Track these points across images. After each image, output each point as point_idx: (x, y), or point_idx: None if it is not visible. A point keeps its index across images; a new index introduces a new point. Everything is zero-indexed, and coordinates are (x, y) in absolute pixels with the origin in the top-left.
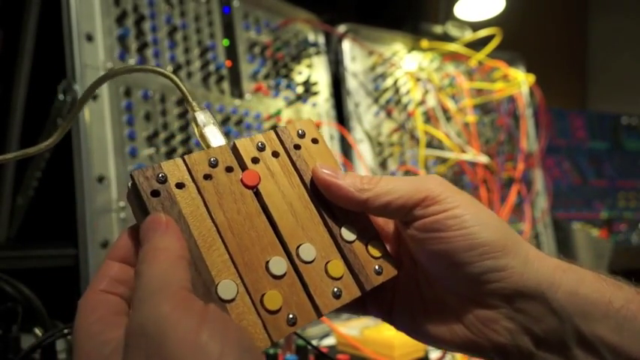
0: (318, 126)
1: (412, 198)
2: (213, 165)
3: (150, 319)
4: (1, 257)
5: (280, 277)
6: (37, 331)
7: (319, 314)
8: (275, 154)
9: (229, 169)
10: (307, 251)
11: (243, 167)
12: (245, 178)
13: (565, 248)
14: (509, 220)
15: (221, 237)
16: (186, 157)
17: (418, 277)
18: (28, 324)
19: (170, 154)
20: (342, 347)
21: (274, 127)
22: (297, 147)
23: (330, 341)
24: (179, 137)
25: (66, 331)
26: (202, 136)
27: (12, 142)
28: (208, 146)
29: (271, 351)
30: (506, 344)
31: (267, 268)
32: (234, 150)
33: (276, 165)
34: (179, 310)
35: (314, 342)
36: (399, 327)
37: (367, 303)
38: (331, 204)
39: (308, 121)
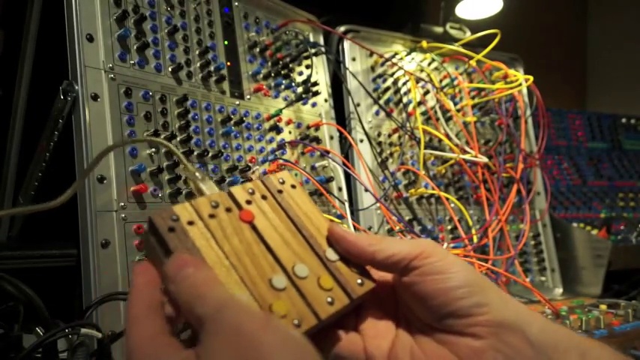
0: (318, 126)
1: (412, 252)
2: (215, 206)
3: (227, 322)
4: (2, 257)
5: (283, 290)
6: (39, 330)
7: (319, 320)
8: (264, 197)
9: (228, 210)
10: (301, 269)
11: (240, 208)
12: (242, 215)
13: (564, 248)
14: (509, 220)
15: (230, 262)
16: (192, 201)
17: (412, 328)
18: (29, 323)
19: (170, 154)
20: None
21: (260, 178)
22: (280, 192)
23: None
24: (179, 137)
25: (67, 330)
26: (199, 189)
27: (13, 142)
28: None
29: None
30: None
31: (271, 284)
32: (230, 195)
33: (265, 205)
34: (247, 315)
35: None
36: None
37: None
38: (313, 234)
39: (285, 172)
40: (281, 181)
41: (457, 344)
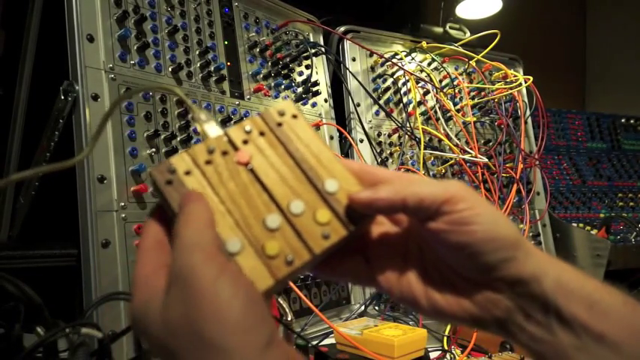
0: (318, 126)
1: (441, 196)
2: (211, 152)
3: (184, 265)
4: (3, 256)
5: (276, 230)
6: (39, 330)
7: (313, 254)
8: (262, 134)
9: (225, 153)
10: (296, 206)
11: (237, 149)
12: (238, 157)
13: (564, 248)
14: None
15: (225, 207)
16: (189, 149)
17: (426, 265)
18: (30, 323)
19: (170, 154)
20: (342, 347)
21: (258, 113)
22: (280, 125)
23: (330, 341)
24: (179, 137)
25: (67, 330)
26: (203, 131)
27: (14, 142)
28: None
29: None
30: (505, 319)
31: (264, 224)
32: (227, 137)
33: (263, 142)
34: (206, 261)
35: (314, 342)
36: (408, 300)
37: (378, 278)
38: (313, 166)
39: (287, 102)
40: (281, 112)
41: (472, 293)
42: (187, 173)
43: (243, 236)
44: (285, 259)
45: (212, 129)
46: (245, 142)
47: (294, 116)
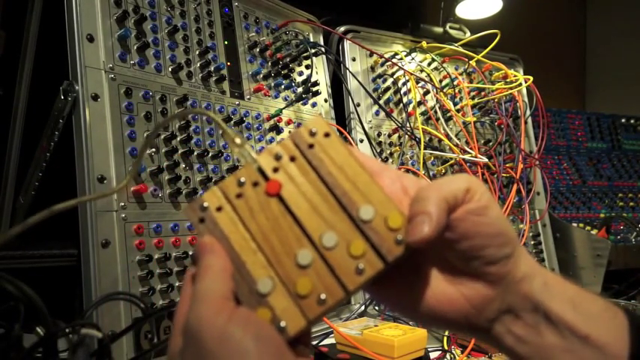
0: None
1: (462, 186)
2: (242, 184)
3: (192, 318)
4: (2, 256)
5: (308, 267)
6: (39, 330)
7: (346, 291)
8: (292, 159)
9: (255, 184)
10: (329, 238)
11: (267, 179)
12: (268, 188)
13: (564, 248)
14: (509, 220)
15: (257, 243)
16: (220, 184)
17: (423, 266)
18: (29, 323)
19: (170, 154)
20: (342, 347)
21: (291, 134)
22: (311, 146)
23: (330, 341)
24: (179, 137)
25: (67, 330)
26: (238, 155)
27: (13, 142)
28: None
29: None
30: (494, 319)
31: (296, 261)
32: (257, 166)
33: (294, 168)
34: (213, 311)
35: (314, 342)
36: (402, 308)
37: (374, 287)
38: (347, 191)
39: (318, 118)
40: (313, 131)
41: (469, 287)
42: (219, 209)
43: (275, 274)
44: (318, 297)
45: (245, 153)
46: (275, 169)
47: (327, 134)
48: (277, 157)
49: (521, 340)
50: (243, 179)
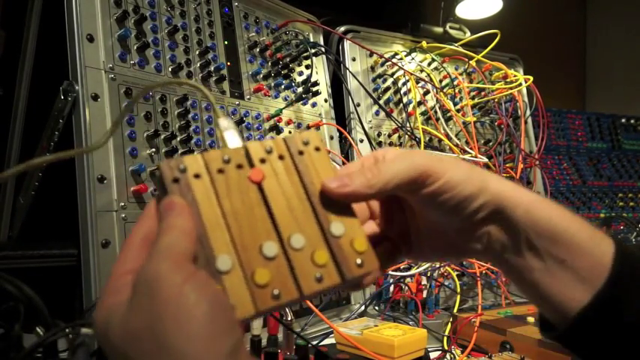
0: (318, 126)
1: (412, 177)
2: (226, 162)
3: (150, 271)
4: (2, 257)
5: (271, 259)
6: (39, 330)
7: (301, 294)
8: (281, 157)
9: (239, 166)
10: (297, 240)
11: (252, 166)
12: (252, 175)
13: None
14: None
15: (225, 221)
16: (205, 153)
17: (418, 223)
18: (29, 323)
19: (170, 154)
20: (342, 347)
21: (284, 137)
22: (301, 153)
23: (330, 341)
24: (179, 137)
25: (67, 330)
26: (222, 138)
27: (13, 142)
28: (226, 147)
29: (271, 349)
30: (484, 250)
31: (260, 250)
32: (246, 151)
33: (280, 166)
34: (172, 268)
35: (314, 342)
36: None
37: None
38: (323, 204)
39: (313, 132)
40: (305, 141)
41: (457, 234)
42: (197, 176)
43: (236, 256)
44: (272, 292)
45: (232, 138)
46: (262, 160)
47: (317, 149)
48: (267, 151)
49: (507, 262)
50: (228, 157)
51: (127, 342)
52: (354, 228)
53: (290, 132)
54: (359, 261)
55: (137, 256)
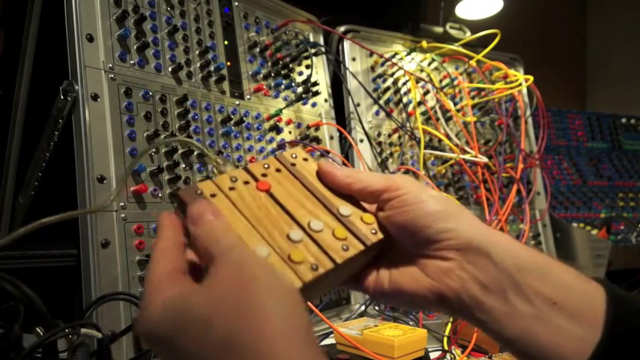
0: (318, 126)
1: (383, 185)
2: (234, 181)
3: (233, 255)
4: (2, 257)
5: (300, 242)
6: (39, 330)
7: (335, 263)
8: (278, 170)
9: (246, 182)
10: (316, 224)
11: (256, 180)
12: (259, 185)
13: (564, 248)
14: (509, 219)
15: (250, 224)
16: (214, 179)
17: (390, 250)
18: (29, 323)
19: (170, 154)
20: (342, 347)
21: (274, 155)
22: (293, 165)
23: (330, 341)
24: (179, 137)
25: (67, 330)
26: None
27: (13, 142)
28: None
29: None
30: (459, 290)
31: (288, 237)
32: (247, 170)
33: (280, 176)
34: (253, 252)
35: None
36: (375, 291)
37: (362, 279)
38: (327, 196)
39: (298, 148)
40: (294, 156)
41: (427, 265)
42: (212, 196)
43: (269, 246)
44: (310, 265)
45: (230, 170)
46: (264, 175)
47: (305, 159)
48: (265, 167)
49: (492, 310)
50: (235, 177)
51: (212, 306)
52: (359, 207)
53: (290, 132)
54: (373, 230)
55: (176, 258)
